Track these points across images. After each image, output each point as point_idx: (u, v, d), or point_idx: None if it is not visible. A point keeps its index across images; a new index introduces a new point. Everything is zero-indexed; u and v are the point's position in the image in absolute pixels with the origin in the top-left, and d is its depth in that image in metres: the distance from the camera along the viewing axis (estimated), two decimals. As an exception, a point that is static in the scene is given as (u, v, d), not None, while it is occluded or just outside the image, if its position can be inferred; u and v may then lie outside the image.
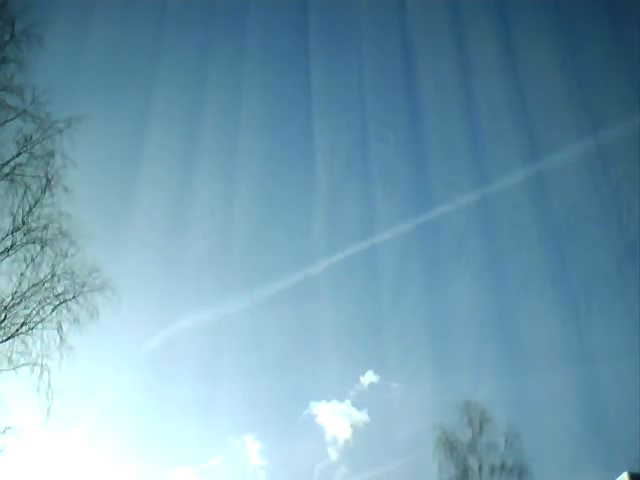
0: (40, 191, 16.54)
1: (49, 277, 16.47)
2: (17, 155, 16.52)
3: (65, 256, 16.61)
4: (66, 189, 16.79)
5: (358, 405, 33.30)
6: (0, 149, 16.45)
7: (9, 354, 15.81)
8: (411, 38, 35.62)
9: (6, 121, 16.58)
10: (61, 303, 16.48)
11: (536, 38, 33.87)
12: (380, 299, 33.96)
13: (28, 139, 16.60)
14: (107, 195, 29.23)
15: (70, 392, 16.71)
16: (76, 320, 16.49)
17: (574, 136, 33.83)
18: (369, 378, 33.02)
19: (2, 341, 15.81)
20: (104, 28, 30.99)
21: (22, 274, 16.21)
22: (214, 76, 34.79)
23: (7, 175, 16.34)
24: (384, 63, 35.98)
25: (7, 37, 16.79)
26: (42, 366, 15.91)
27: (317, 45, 35.39)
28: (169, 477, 31.36)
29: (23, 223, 16.36)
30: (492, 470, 26.19)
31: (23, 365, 15.89)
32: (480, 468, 26.29)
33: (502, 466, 26.22)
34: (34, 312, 16.16)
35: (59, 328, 16.29)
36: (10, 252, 16.15)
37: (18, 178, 16.41)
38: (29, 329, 16.07)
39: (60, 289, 16.54)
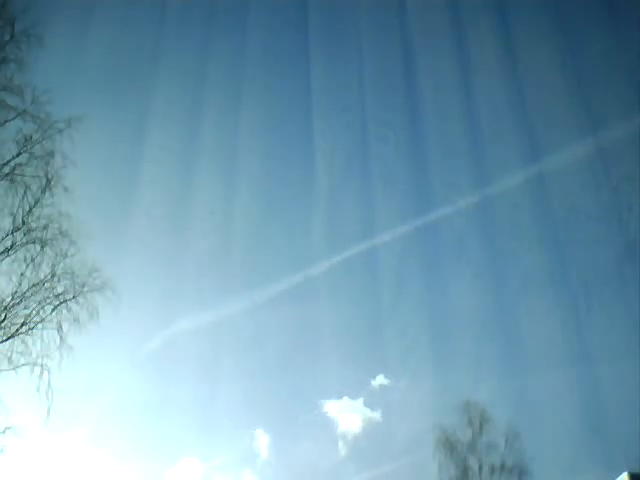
0: (40, 191, 16.55)
1: (49, 277, 16.48)
2: (17, 155, 16.53)
3: (65, 256, 16.62)
4: (66, 189, 16.80)
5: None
6: (0, 149, 16.48)
7: (9, 354, 15.83)
8: (411, 38, 35.67)
9: (6, 121, 16.59)
10: (61, 303, 16.48)
11: (536, 38, 33.92)
12: (380, 299, 34.00)
13: (28, 139, 16.60)
14: (107, 195, 29.27)
15: (70, 392, 16.75)
16: (76, 320, 16.50)
17: (574, 136, 33.88)
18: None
19: (2, 341, 15.81)
20: (104, 28, 31.03)
21: (22, 274, 16.21)
22: (214, 76, 34.84)
23: (7, 175, 16.35)
24: (384, 63, 36.03)
25: (7, 37, 16.80)
26: (42, 366, 15.92)
27: (317, 45, 35.44)
28: (174, 470, 31.39)
29: (23, 223, 16.36)
30: (492, 470, 26.19)
31: (23, 365, 15.90)
32: (480, 468, 26.29)
33: (502, 466, 26.22)
34: (34, 312, 16.16)
35: (59, 328, 16.30)
36: (10, 252, 16.15)
37: (18, 178, 16.41)
38: (29, 329, 16.08)
39: (60, 289, 16.56)
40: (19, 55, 16.82)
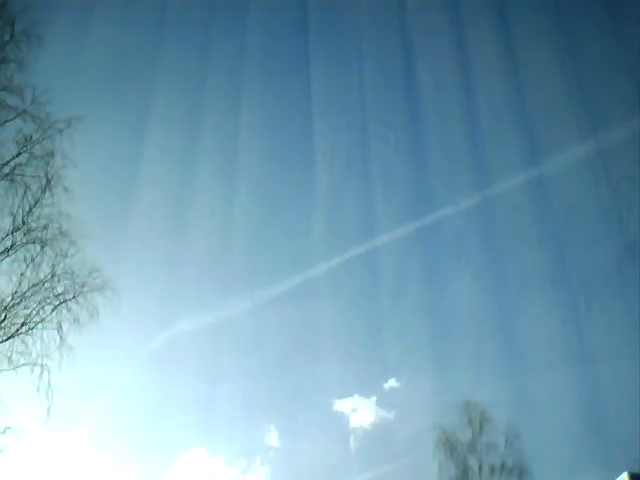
0: (40, 191, 16.55)
1: (49, 277, 16.47)
2: (17, 155, 16.53)
3: (65, 256, 16.62)
4: (66, 189, 16.80)
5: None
6: (0, 149, 16.48)
7: (9, 354, 15.82)
8: (411, 38, 35.69)
9: (6, 121, 16.59)
10: (61, 303, 16.48)
11: (537, 39, 33.94)
12: (380, 300, 33.99)
13: (28, 139, 16.61)
14: (107, 195, 29.27)
15: (70, 392, 16.74)
16: (76, 320, 16.49)
17: (574, 137, 33.91)
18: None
19: (2, 341, 15.81)
20: (104, 28, 31.05)
21: (22, 274, 16.21)
22: (214, 76, 34.85)
23: (7, 175, 16.35)
24: (384, 63, 36.04)
25: (7, 37, 16.81)
26: (42, 366, 15.91)
27: (317, 45, 35.47)
28: (175, 467, 31.43)
29: (23, 223, 16.36)
30: (492, 470, 26.19)
31: (23, 365, 15.89)
32: (480, 468, 26.29)
33: (502, 466, 26.22)
34: (34, 312, 16.16)
35: (59, 328, 16.29)
36: (10, 252, 16.15)
37: (18, 178, 16.42)
38: (29, 329, 16.07)
39: (60, 289, 16.55)
40: (19, 55, 16.85)
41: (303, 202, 36.56)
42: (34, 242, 16.37)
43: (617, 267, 32.10)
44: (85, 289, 16.70)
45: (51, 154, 16.72)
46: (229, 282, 34.14)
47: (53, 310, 16.35)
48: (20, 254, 16.24)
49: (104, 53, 31.87)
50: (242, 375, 32.85)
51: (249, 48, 35.00)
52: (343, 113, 36.20)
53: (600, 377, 29.76)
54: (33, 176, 16.54)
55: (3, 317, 15.80)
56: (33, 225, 16.43)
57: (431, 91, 35.72)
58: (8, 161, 16.41)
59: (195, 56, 35.04)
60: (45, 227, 16.50)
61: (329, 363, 32.79)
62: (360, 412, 33.34)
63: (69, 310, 16.46)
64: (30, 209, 16.45)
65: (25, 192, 16.43)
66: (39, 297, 16.26)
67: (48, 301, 16.35)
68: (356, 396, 33.39)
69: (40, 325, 16.17)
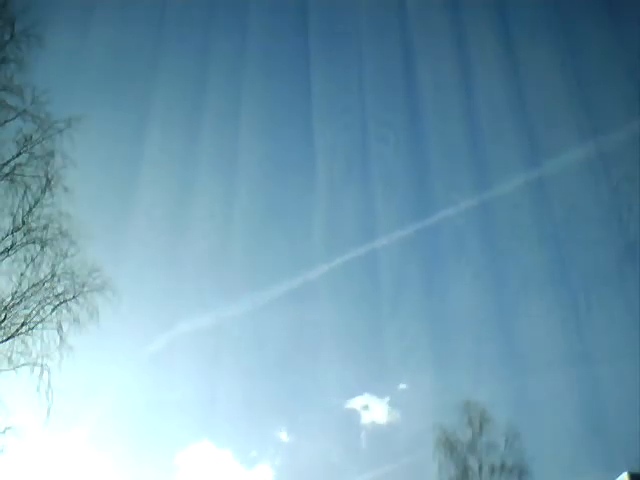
0: (40, 191, 16.57)
1: (49, 277, 16.48)
2: (17, 155, 16.54)
3: (65, 256, 16.63)
4: (66, 189, 16.82)
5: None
6: (0, 149, 16.50)
7: (9, 354, 15.83)
8: (411, 39, 35.64)
9: (6, 121, 16.61)
10: (61, 303, 16.49)
11: (537, 39, 33.91)
12: (380, 298, 33.98)
13: (28, 139, 16.62)
14: (107, 195, 29.22)
15: (70, 392, 16.74)
16: (76, 320, 16.50)
17: (575, 137, 33.88)
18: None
19: (2, 341, 15.82)
20: (104, 28, 31.01)
21: (22, 274, 16.22)
22: (214, 76, 34.82)
23: (7, 175, 16.36)
24: (384, 64, 35.99)
25: (7, 37, 16.83)
26: (42, 366, 15.92)
27: (317, 46, 35.41)
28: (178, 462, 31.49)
29: (23, 223, 16.37)
30: (492, 470, 26.19)
31: (23, 365, 15.90)
32: (480, 468, 26.29)
33: (502, 466, 26.23)
34: (34, 312, 16.17)
35: (59, 328, 16.31)
36: (10, 252, 16.16)
37: (18, 178, 16.43)
38: (29, 329, 16.08)
39: (60, 289, 16.57)
40: (19, 55, 16.87)
41: (303, 203, 36.55)
42: (34, 242, 16.39)
43: (617, 267, 32.12)
44: (85, 289, 16.73)
45: (51, 154, 16.74)
46: (230, 283, 34.13)
47: (53, 310, 16.37)
48: (20, 254, 16.27)
49: (104, 53, 31.88)
50: (243, 376, 32.85)
51: (249, 48, 35.00)
52: (343, 114, 36.18)
53: (600, 377, 29.78)
54: (33, 176, 16.56)
55: (3, 317, 15.81)
56: (33, 225, 16.45)
57: (431, 92, 35.72)
58: (8, 161, 16.43)
59: (195, 56, 35.05)
60: (45, 227, 16.51)
61: (329, 363, 32.81)
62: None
63: (69, 310, 16.49)
64: (30, 209, 16.47)
65: (25, 192, 16.45)
66: (39, 297, 16.29)
67: (48, 301, 16.37)
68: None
69: (40, 325, 16.19)
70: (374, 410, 33.37)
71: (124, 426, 29.70)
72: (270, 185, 36.57)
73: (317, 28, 35.19)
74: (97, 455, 27.78)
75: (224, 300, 33.86)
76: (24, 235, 16.33)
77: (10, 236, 16.20)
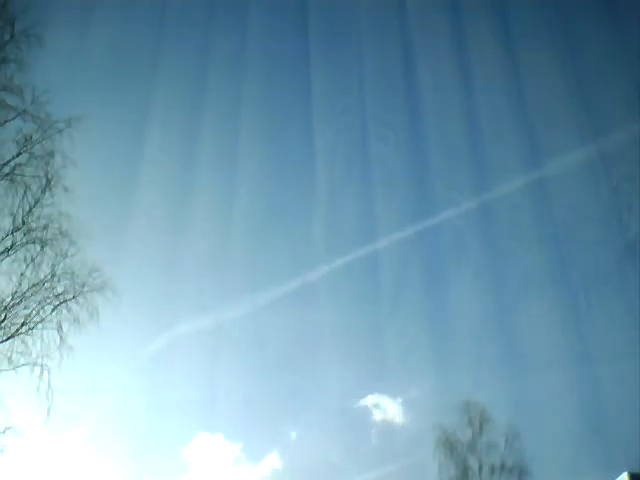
0: (40, 191, 16.56)
1: (49, 277, 16.48)
2: (17, 155, 16.54)
3: (65, 256, 16.63)
4: (66, 189, 16.81)
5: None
6: (0, 149, 16.50)
7: (9, 354, 15.83)
8: (411, 39, 35.61)
9: (6, 121, 16.61)
10: (61, 303, 16.49)
11: (538, 40, 33.87)
12: (381, 299, 33.99)
13: (28, 139, 16.62)
14: (107, 195, 29.20)
15: (70, 392, 16.73)
16: (76, 320, 16.50)
17: (575, 138, 33.86)
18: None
19: (2, 341, 15.82)
20: (104, 28, 30.98)
21: (22, 274, 16.22)
22: (214, 77, 34.80)
23: (7, 175, 16.36)
24: (384, 64, 35.97)
25: (7, 37, 16.83)
26: (42, 366, 15.91)
27: (317, 46, 35.38)
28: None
29: (23, 223, 16.37)
30: (492, 470, 26.21)
31: (23, 365, 15.89)
32: (480, 468, 26.30)
33: (502, 466, 26.24)
34: (34, 312, 16.17)
35: (59, 328, 16.30)
36: (10, 252, 16.16)
37: (18, 178, 16.43)
38: (29, 329, 16.08)
39: (60, 289, 16.56)
40: (19, 55, 16.86)
41: (303, 203, 36.55)
42: (34, 242, 16.39)
43: (617, 267, 32.12)
44: (85, 289, 16.73)
45: (51, 154, 16.74)
46: (230, 283, 34.10)
47: (53, 310, 16.37)
48: (20, 254, 16.26)
49: (104, 53, 31.83)
50: (243, 376, 32.86)
51: (249, 49, 34.98)
52: (343, 114, 36.14)
53: (600, 377, 29.76)
54: (33, 176, 16.56)
55: (3, 317, 15.81)
56: (33, 225, 16.45)
57: (431, 92, 35.69)
58: (8, 161, 16.43)
59: (195, 56, 35.02)
60: (45, 227, 16.51)
61: (329, 364, 32.79)
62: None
63: (69, 310, 16.49)
64: (30, 209, 16.47)
65: (25, 192, 16.45)
66: (39, 297, 16.29)
67: (48, 301, 16.37)
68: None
69: (40, 325, 16.19)
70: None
71: (124, 426, 29.71)
72: (270, 185, 36.57)
73: (317, 28, 35.20)
74: (97, 455, 27.79)
75: (224, 300, 33.89)
76: (24, 235, 16.34)
77: (10, 236, 16.21)
